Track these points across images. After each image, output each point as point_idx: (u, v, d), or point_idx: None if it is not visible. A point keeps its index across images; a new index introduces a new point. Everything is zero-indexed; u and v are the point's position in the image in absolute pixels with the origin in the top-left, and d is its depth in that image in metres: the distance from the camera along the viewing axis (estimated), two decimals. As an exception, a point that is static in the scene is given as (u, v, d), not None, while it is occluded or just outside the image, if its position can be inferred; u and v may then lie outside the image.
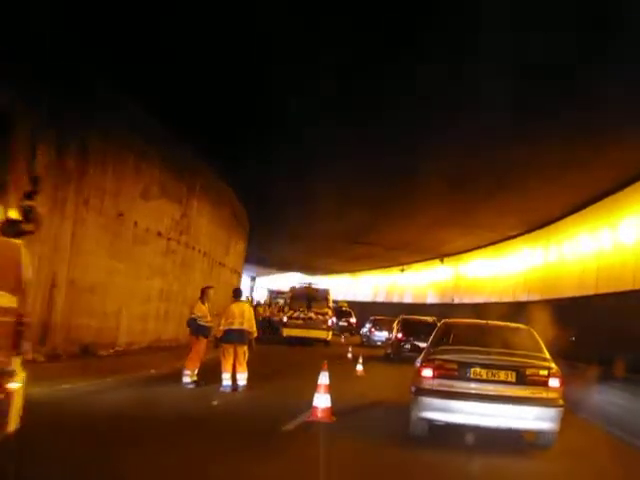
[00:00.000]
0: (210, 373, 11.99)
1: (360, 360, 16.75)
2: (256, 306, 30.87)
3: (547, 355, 8.61)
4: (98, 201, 13.72)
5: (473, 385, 8.03)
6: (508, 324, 9.71)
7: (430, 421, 8.26)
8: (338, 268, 52.07)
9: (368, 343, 31.87)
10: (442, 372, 8.15)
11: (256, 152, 17.84)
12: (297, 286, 31.03)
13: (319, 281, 58.60)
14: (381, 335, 30.80)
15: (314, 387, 9.22)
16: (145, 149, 15.86)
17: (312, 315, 28.00)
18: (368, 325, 34.21)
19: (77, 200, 12.83)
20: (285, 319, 28.55)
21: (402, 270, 43.41)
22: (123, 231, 15.21)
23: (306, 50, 11.17)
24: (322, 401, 9.03)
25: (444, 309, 31.65)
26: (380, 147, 16.79)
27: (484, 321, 9.62)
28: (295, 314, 28.16)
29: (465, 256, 34.74)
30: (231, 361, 11.56)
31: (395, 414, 9.80)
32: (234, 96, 13.76)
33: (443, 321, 10.29)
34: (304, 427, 8.66)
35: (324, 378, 9.17)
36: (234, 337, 11.70)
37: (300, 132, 15.03)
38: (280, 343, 26.58)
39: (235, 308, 11.90)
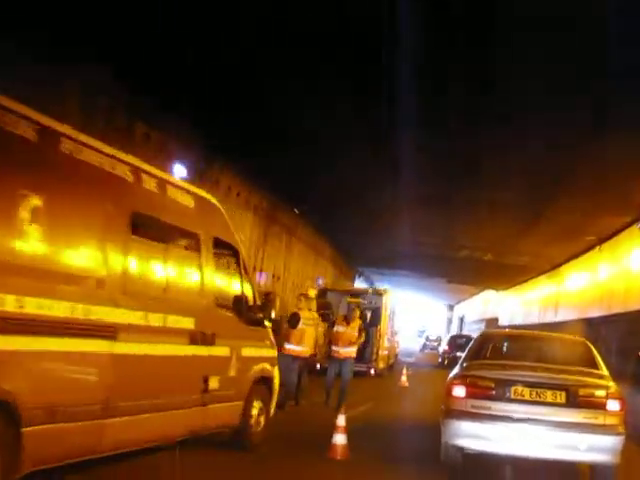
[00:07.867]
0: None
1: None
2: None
3: (605, 372, 7.23)
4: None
5: (514, 407, 6.70)
6: (558, 335, 8.32)
7: (462, 449, 7.01)
8: (526, 259, 24.73)
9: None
10: (476, 391, 6.86)
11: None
12: None
13: (502, 297, 37.26)
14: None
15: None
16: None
17: None
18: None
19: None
20: None
21: None
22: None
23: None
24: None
25: None
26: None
27: (529, 332, 8.28)
28: None
29: None
30: None
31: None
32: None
33: (481, 332, 8.99)
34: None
35: None
36: None
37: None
38: None
39: None
